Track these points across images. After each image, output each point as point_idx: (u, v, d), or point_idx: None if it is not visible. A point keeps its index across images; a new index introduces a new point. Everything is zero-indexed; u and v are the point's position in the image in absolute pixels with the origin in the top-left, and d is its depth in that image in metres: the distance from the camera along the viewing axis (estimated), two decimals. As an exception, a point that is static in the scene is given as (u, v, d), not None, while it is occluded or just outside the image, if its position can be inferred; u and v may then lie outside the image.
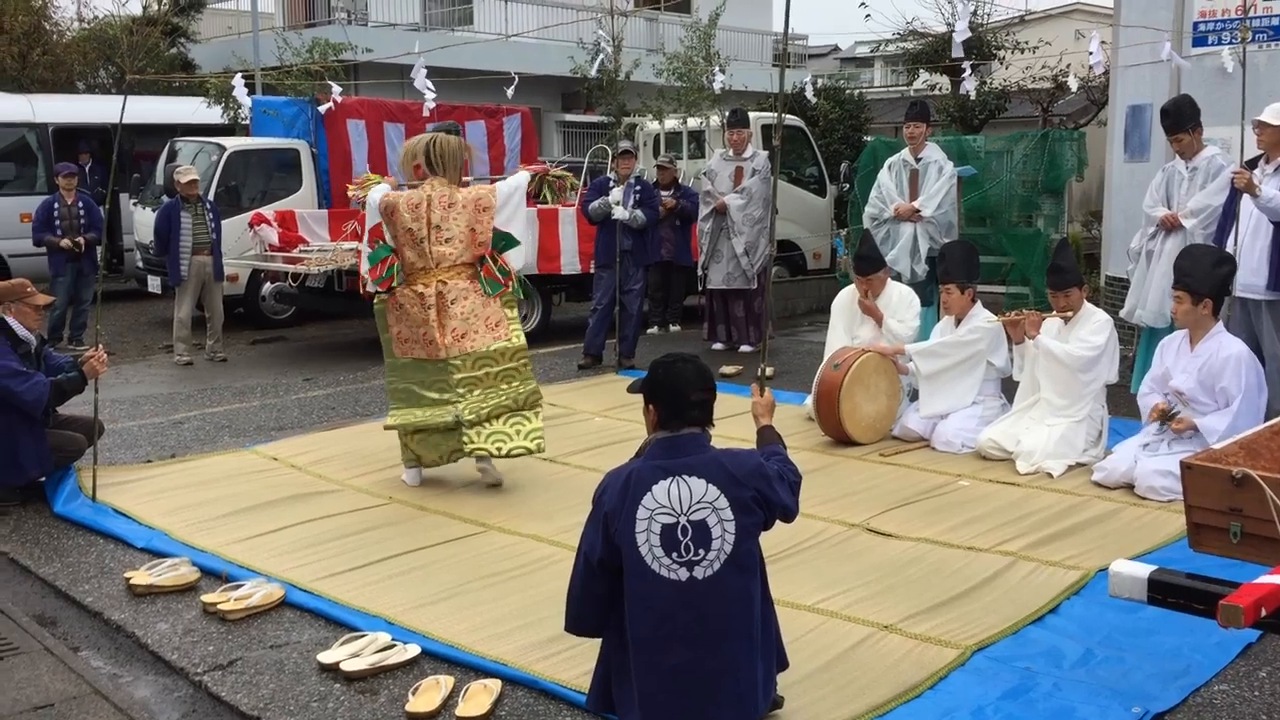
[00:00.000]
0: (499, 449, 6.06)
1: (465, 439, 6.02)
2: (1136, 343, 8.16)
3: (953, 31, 11.95)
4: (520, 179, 6.46)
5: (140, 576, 4.89)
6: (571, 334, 10.57)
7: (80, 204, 11.43)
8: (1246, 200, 6.63)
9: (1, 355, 5.92)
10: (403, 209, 6.03)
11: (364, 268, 6.58)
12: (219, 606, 4.55)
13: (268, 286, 12.67)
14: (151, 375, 10.23)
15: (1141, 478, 5.84)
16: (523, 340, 6.23)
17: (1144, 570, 3.10)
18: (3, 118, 14.94)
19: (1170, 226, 7.39)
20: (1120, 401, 7.01)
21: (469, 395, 6.03)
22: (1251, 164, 6.81)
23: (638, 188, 9.85)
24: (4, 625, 4.55)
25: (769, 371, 8.61)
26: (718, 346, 10.39)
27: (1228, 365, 5.79)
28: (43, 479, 6.18)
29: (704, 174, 10.67)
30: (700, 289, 10.72)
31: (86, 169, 14.76)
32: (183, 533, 5.52)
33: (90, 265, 11.47)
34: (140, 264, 13.37)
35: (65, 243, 11.20)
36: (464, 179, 6.40)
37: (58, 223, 11.27)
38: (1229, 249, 6.58)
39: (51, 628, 4.61)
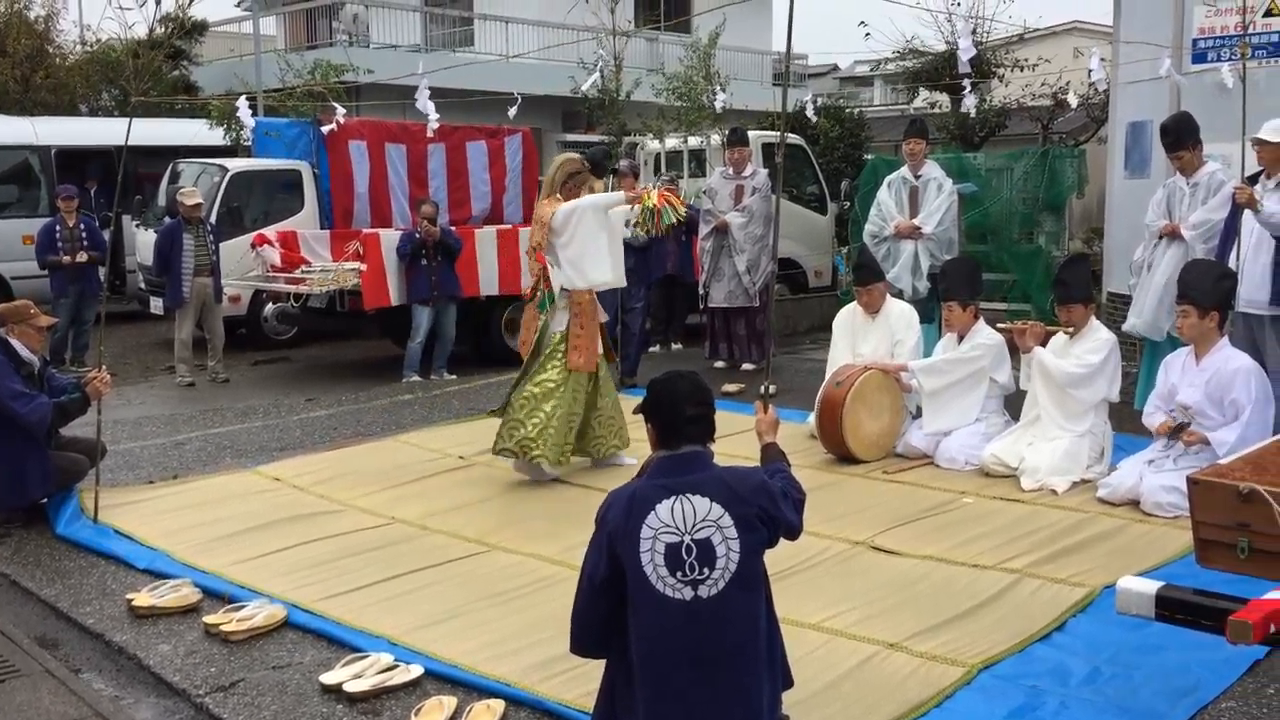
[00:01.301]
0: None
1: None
2: (1139, 359, 8.15)
3: (955, 49, 12.01)
4: (593, 200, 6.71)
5: (142, 598, 4.88)
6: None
7: (82, 225, 11.46)
8: (1248, 216, 6.63)
9: (4, 377, 5.92)
10: None
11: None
12: (221, 628, 4.54)
13: (270, 307, 12.68)
14: (154, 396, 10.22)
15: (1147, 494, 5.82)
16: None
17: (1152, 586, 3.09)
18: (6, 140, 14.98)
19: (1170, 235, 7.39)
20: (1124, 418, 6.99)
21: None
22: (1252, 180, 6.81)
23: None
24: (5, 647, 4.54)
25: (771, 389, 8.61)
26: (720, 364, 10.38)
27: (1237, 377, 5.78)
28: (45, 500, 6.17)
29: (704, 192, 10.68)
30: (702, 307, 10.71)
31: (92, 192, 14.81)
32: (185, 554, 5.51)
33: (92, 286, 11.49)
34: (142, 285, 13.37)
35: (66, 258, 11.21)
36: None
37: (60, 245, 11.31)
38: (1231, 264, 6.58)
39: (53, 650, 4.60)
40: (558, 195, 6.67)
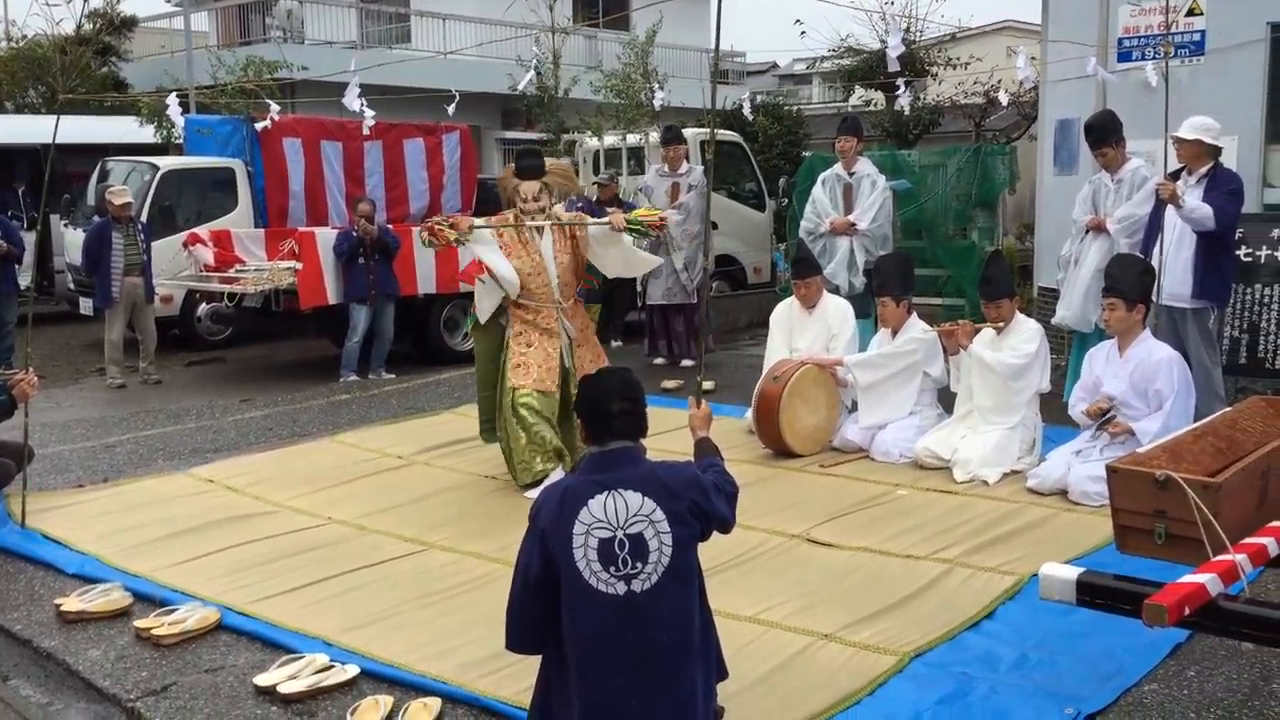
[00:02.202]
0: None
1: None
2: (1068, 351, 8.31)
3: (887, 48, 12.15)
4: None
5: (71, 603, 4.80)
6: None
7: None
8: (1171, 211, 6.79)
9: (-74, 380, 5.78)
10: None
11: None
12: (153, 632, 4.48)
13: (203, 307, 12.50)
14: (83, 398, 10.04)
15: (1075, 484, 5.95)
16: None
17: (1072, 573, 3.16)
18: (-71, 138, 14.62)
19: (1096, 229, 7.55)
20: (1054, 409, 7.13)
21: None
22: (1174, 176, 6.98)
23: (579, 204, 9.85)
24: (-71, 656, 4.44)
25: (708, 385, 8.66)
26: (659, 361, 10.43)
27: (1160, 368, 5.93)
28: (-30, 506, 6.04)
29: (640, 190, 10.71)
30: (640, 304, 10.74)
31: (20, 192, 14.48)
32: (116, 558, 5.42)
33: (9, 285, 11.19)
34: (71, 286, 13.12)
35: None
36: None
37: None
38: (1155, 259, 6.74)
39: (-21, 657, 4.51)
40: (507, 214, 6.60)
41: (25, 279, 11.51)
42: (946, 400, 7.21)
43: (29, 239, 11.98)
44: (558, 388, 6.37)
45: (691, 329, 10.34)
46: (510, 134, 22.39)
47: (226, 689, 4.06)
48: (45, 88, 20.03)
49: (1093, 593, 3.06)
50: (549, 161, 6.73)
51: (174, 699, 4.00)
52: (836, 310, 7.68)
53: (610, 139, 14.46)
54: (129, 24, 21.85)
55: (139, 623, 4.57)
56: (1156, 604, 2.76)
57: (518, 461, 6.33)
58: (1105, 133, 7.44)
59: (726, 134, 14.57)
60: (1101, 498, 5.66)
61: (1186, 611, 2.83)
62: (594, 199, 11.19)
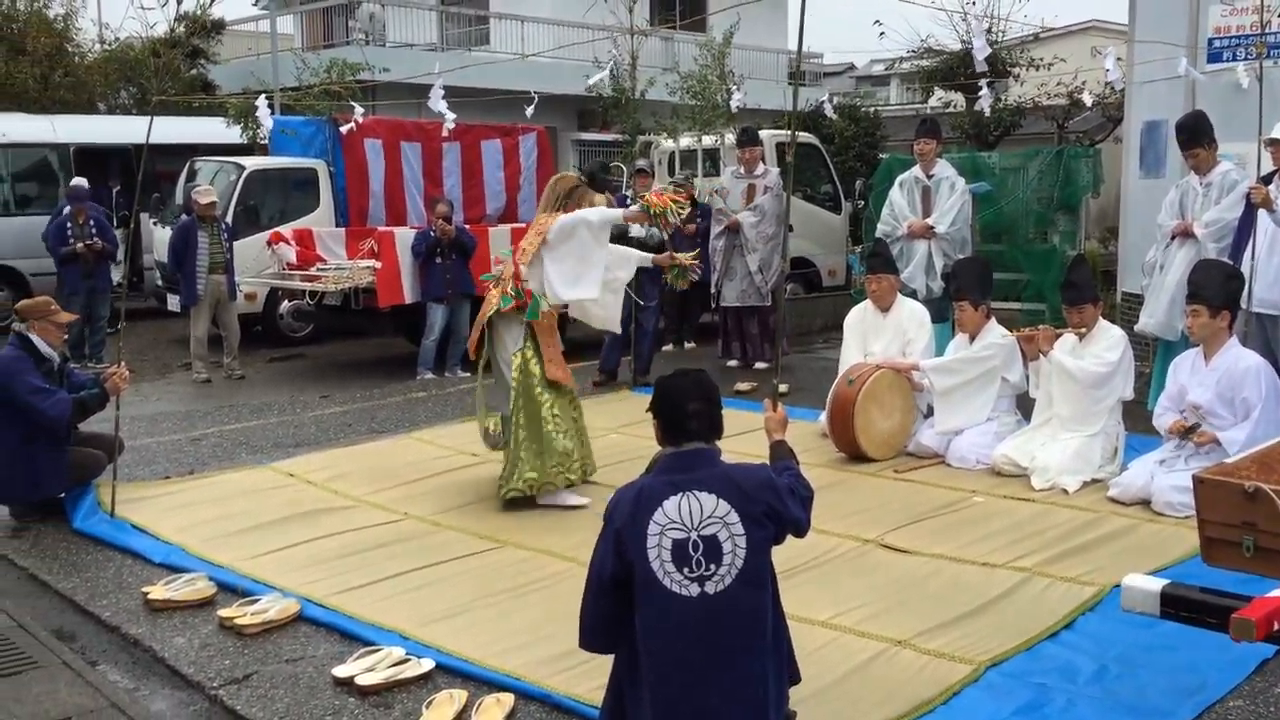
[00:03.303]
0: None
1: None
2: (1153, 359, 8.13)
3: (969, 49, 12.00)
4: (597, 214, 6.37)
5: (158, 591, 4.94)
6: (587, 351, 10.60)
7: (91, 221, 11.53)
8: (1263, 216, 6.62)
9: (25, 373, 5.99)
10: None
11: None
12: (235, 621, 4.59)
13: (285, 304, 12.76)
14: (170, 392, 10.30)
15: (1158, 494, 5.82)
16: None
17: (1156, 585, 3.10)
18: (25, 138, 15.11)
19: (1183, 235, 7.38)
20: (1136, 418, 6.99)
21: None
22: (1266, 179, 6.80)
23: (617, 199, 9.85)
24: (23, 639, 4.59)
25: (783, 388, 8.63)
26: (732, 363, 10.40)
27: (1247, 376, 5.78)
28: (63, 495, 6.24)
29: (716, 191, 10.69)
30: (714, 306, 10.73)
31: (114, 191, 14.91)
32: (200, 548, 5.56)
33: (103, 282, 11.58)
34: (159, 282, 13.47)
35: (80, 246, 11.25)
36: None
37: (71, 241, 11.38)
38: (1245, 265, 6.57)
39: (70, 642, 4.65)
40: (559, 211, 6.56)
41: (117, 275, 11.87)
42: (1025, 407, 7.10)
43: (120, 236, 12.38)
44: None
45: (765, 331, 10.30)
46: (586, 135, 22.48)
47: (306, 679, 4.15)
48: (136, 89, 20.57)
49: (1177, 605, 3.00)
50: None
51: (255, 687, 4.09)
52: (912, 314, 7.60)
53: (686, 140, 14.47)
54: (218, 27, 22.34)
55: (222, 612, 4.69)
56: (1244, 618, 2.70)
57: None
58: (1197, 133, 7.28)
59: (803, 136, 14.49)
60: (1186, 509, 5.53)
61: (1275, 627, 2.76)
62: (628, 194, 10.99)
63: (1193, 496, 3.52)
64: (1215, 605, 2.93)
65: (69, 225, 11.45)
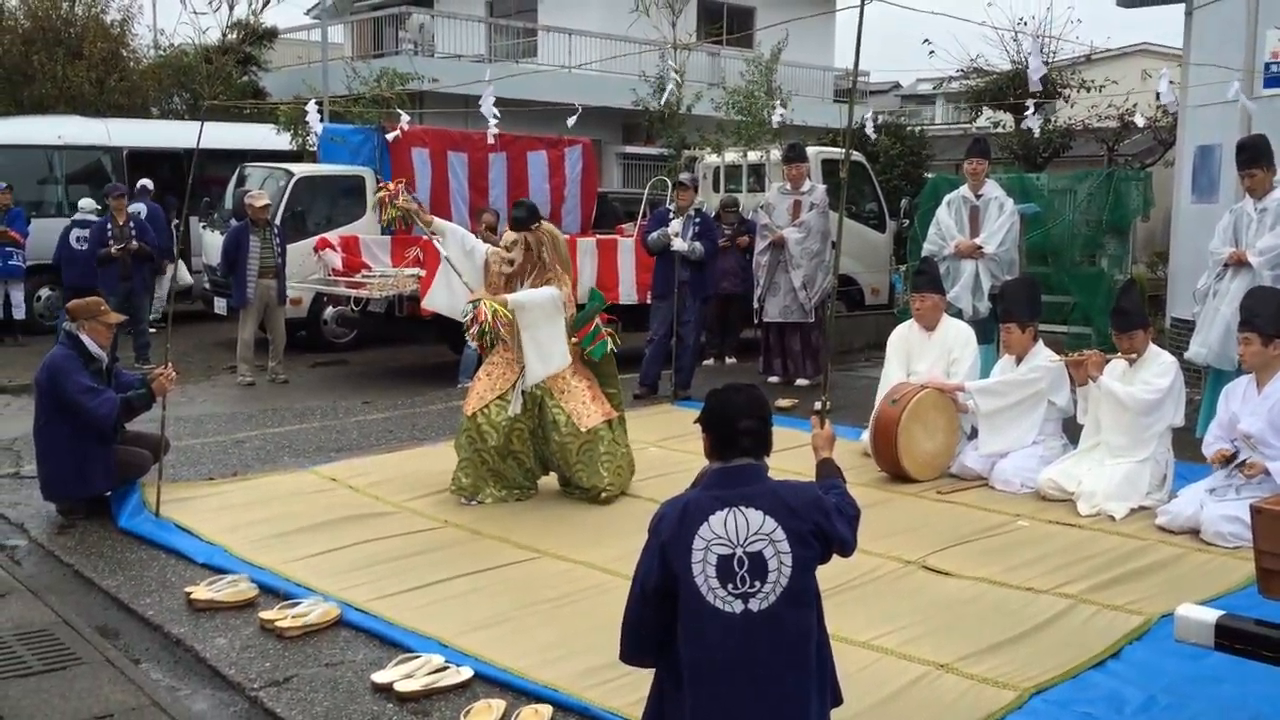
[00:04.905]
0: None
1: None
2: (1203, 386, 8.01)
3: (1022, 69, 11.91)
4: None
5: (201, 591, 4.97)
6: (628, 364, 10.62)
7: (131, 224, 11.67)
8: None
9: (74, 372, 6.07)
10: None
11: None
12: (276, 623, 4.61)
13: (330, 310, 12.86)
14: (215, 395, 10.40)
15: (1208, 523, 5.72)
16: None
17: (1212, 615, 3.03)
18: (80, 140, 15.38)
19: (1237, 263, 7.27)
20: (1186, 445, 6.88)
21: None
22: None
23: (697, 220, 9.87)
24: (68, 636, 4.64)
25: (827, 405, 8.56)
26: (773, 379, 10.36)
27: (1301, 404, 5.67)
28: (108, 493, 6.31)
29: (761, 207, 10.67)
30: (756, 321, 10.70)
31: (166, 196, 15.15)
32: (242, 550, 5.60)
33: (140, 284, 11.71)
34: (207, 286, 13.63)
35: (116, 248, 11.39)
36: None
37: (110, 243, 11.51)
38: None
39: (113, 639, 4.69)
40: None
41: (169, 276, 11.99)
42: (1072, 431, 7.01)
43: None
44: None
45: (808, 348, 10.25)
46: (631, 148, 22.54)
47: (345, 684, 4.16)
48: (189, 94, 20.86)
49: (1232, 637, 2.93)
50: (544, 224, 6.62)
51: (294, 690, 4.11)
52: (957, 334, 7.53)
53: (731, 155, 14.47)
54: (270, 35, 22.65)
55: (264, 614, 4.72)
56: (1303, 653, 2.63)
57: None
58: (1257, 153, 7.21)
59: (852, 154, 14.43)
60: (1237, 539, 5.45)
61: (1334, 663, 2.70)
62: (715, 215, 11.15)
63: (1244, 527, 3.46)
64: (1273, 639, 2.87)
65: (109, 227, 11.60)
